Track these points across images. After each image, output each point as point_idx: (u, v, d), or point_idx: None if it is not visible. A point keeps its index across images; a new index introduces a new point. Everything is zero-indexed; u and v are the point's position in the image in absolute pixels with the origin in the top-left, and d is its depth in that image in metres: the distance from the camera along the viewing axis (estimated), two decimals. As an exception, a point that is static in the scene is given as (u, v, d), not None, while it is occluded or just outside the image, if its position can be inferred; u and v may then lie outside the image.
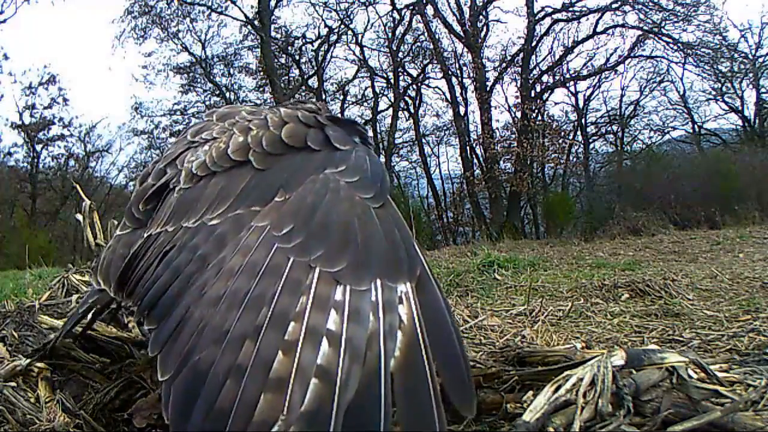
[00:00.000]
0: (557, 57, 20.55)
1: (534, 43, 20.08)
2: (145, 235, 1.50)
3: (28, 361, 1.97)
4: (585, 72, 21.23)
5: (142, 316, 1.27)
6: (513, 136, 20.27)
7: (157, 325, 1.20)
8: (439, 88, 22.21)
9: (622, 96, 22.29)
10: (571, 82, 21.60)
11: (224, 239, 1.29)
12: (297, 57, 22.73)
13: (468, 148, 20.64)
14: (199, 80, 23.41)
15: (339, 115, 1.81)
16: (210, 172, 1.52)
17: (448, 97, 21.40)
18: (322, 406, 0.94)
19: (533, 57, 20.34)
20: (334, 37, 22.27)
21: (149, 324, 1.23)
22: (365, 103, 23.67)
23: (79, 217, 3.73)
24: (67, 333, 2.12)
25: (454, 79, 21.06)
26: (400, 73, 22.24)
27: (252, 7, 20.66)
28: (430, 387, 0.98)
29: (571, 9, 20.01)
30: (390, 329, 1.05)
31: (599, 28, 19.98)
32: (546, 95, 20.97)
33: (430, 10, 20.59)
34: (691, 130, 22.98)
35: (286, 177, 1.39)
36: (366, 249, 1.18)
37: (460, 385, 1.03)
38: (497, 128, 20.75)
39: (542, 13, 19.99)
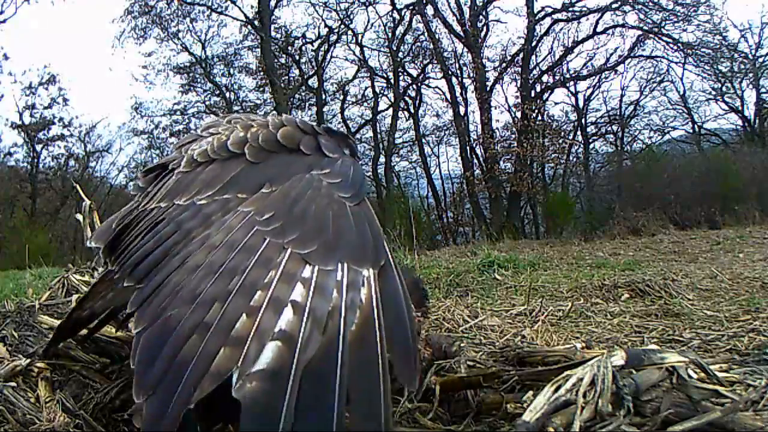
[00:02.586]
0: (557, 57, 20.53)
1: (534, 43, 20.05)
2: (140, 209, 1.64)
3: (28, 361, 1.97)
4: (585, 72, 21.20)
5: (123, 275, 1.39)
6: (513, 136, 20.25)
7: (136, 283, 1.32)
8: (439, 88, 22.22)
9: (622, 96, 22.27)
10: (571, 82, 21.57)
11: (210, 217, 1.43)
12: (297, 57, 22.70)
13: (468, 148, 20.62)
14: (199, 80, 23.39)
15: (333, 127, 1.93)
16: (209, 159, 1.66)
17: (448, 97, 21.39)
18: (282, 366, 1.03)
19: (533, 57, 20.30)
20: (334, 37, 22.26)
21: (129, 281, 1.35)
22: (365, 103, 23.66)
23: (79, 217, 3.73)
24: (74, 328, 2.16)
25: (454, 79, 21.04)
26: (400, 73, 22.22)
27: (252, 7, 20.66)
28: (380, 361, 1.08)
29: (571, 9, 19.99)
30: (351, 304, 1.17)
31: (599, 28, 19.96)
32: (546, 95, 20.95)
33: (430, 10, 20.58)
34: (691, 130, 22.97)
35: (275, 172, 1.54)
36: (336, 237, 1.31)
37: (406, 363, 1.13)
38: (497, 128, 20.73)
39: (542, 13, 19.95)
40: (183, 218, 1.46)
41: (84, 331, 2.22)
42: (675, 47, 19.44)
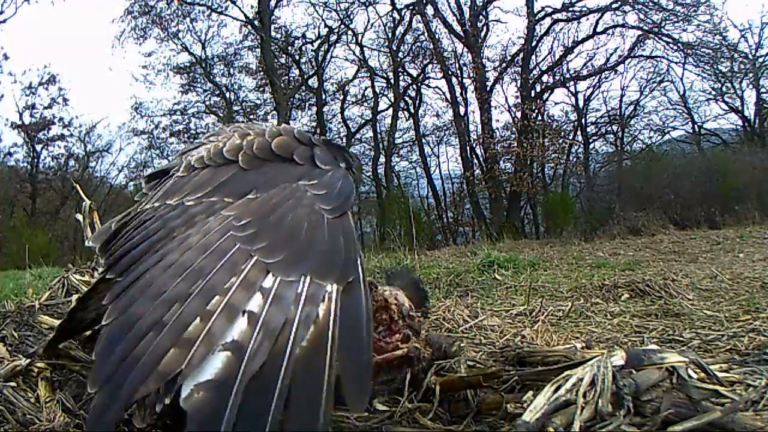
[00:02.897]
0: (557, 57, 20.51)
1: (534, 43, 20.04)
2: (137, 210, 1.69)
3: (28, 361, 1.97)
4: (585, 72, 21.19)
5: (108, 268, 1.43)
6: (513, 136, 20.24)
7: (116, 276, 1.35)
8: (439, 88, 22.21)
9: (622, 96, 22.24)
10: (571, 82, 21.56)
11: (194, 218, 1.46)
12: (297, 57, 22.69)
13: (468, 148, 20.61)
14: (199, 80, 23.39)
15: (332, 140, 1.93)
16: (204, 165, 1.70)
17: (448, 97, 21.39)
18: (229, 377, 1.04)
19: (533, 57, 20.29)
20: (334, 37, 22.26)
21: (110, 274, 1.38)
22: (365, 103, 23.66)
23: (79, 217, 3.73)
24: (76, 329, 2.16)
25: (454, 79, 21.04)
26: (400, 73, 22.21)
27: (252, 7, 20.67)
28: (325, 381, 1.07)
29: (571, 9, 19.99)
30: (306, 319, 1.16)
31: (599, 28, 19.95)
32: (546, 95, 20.94)
33: (430, 10, 20.58)
34: (691, 130, 22.95)
35: (264, 180, 1.57)
36: (305, 248, 1.31)
37: (357, 386, 1.13)
38: (497, 128, 20.73)
39: (542, 13, 19.95)
40: (169, 216, 1.50)
41: (87, 333, 2.22)
42: (675, 47, 19.44)
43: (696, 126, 22.69)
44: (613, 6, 19.30)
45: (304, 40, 22.56)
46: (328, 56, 22.65)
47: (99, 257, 1.70)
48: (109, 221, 1.83)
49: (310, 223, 1.37)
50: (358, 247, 1.39)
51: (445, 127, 23.15)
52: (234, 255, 1.28)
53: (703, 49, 19.02)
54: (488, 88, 20.26)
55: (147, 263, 1.33)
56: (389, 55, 21.92)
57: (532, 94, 19.99)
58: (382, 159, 22.32)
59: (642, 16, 19.24)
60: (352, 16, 21.76)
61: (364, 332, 1.20)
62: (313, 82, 22.80)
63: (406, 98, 22.67)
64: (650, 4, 18.86)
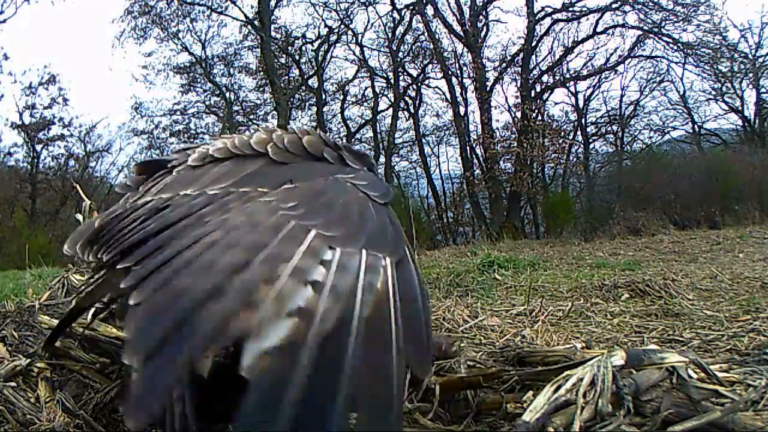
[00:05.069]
0: (557, 57, 20.55)
1: (534, 43, 20.07)
2: (132, 201, 1.54)
3: (29, 361, 1.97)
4: (585, 72, 21.22)
5: (116, 257, 1.29)
6: (513, 136, 20.26)
7: (135, 262, 1.18)
8: (439, 88, 22.24)
9: (622, 96, 22.28)
10: (571, 82, 21.59)
11: (227, 204, 1.35)
12: (297, 57, 22.71)
13: (468, 148, 20.63)
14: (199, 80, 23.42)
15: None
16: (228, 155, 1.61)
17: (448, 97, 21.41)
18: (298, 340, 0.96)
19: (533, 57, 20.33)
20: (334, 37, 22.27)
21: (125, 261, 1.21)
22: (365, 103, 23.69)
23: (79, 217, 3.72)
24: (66, 328, 2.15)
25: (454, 79, 21.07)
26: (400, 73, 22.22)
27: (252, 7, 20.67)
28: (393, 342, 1.05)
29: (571, 9, 20.01)
30: (369, 286, 1.13)
31: (599, 28, 19.98)
32: (546, 95, 20.97)
33: (430, 10, 20.59)
34: (691, 130, 22.97)
35: (299, 172, 1.51)
36: (360, 226, 1.30)
37: (419, 351, 1.12)
38: (497, 128, 20.76)
39: (542, 13, 19.98)
40: (195, 203, 1.36)
41: (79, 329, 2.22)
42: (675, 47, 19.46)
43: (696, 126, 22.73)
44: (613, 6, 19.33)
45: (304, 40, 22.61)
46: (328, 56, 22.69)
47: (80, 255, 1.47)
48: (87, 222, 1.66)
49: (360, 205, 1.37)
50: (403, 235, 1.40)
51: (445, 127, 23.20)
52: (292, 229, 1.20)
53: (703, 49, 19.04)
54: (488, 88, 20.28)
55: (178, 245, 1.17)
56: (389, 55, 21.94)
57: (532, 94, 20.00)
58: (382, 159, 22.32)
59: (642, 16, 19.29)
60: (352, 16, 21.81)
61: (419, 298, 1.21)
62: (313, 82, 22.83)
63: (406, 98, 22.69)
64: (650, 4, 18.88)
